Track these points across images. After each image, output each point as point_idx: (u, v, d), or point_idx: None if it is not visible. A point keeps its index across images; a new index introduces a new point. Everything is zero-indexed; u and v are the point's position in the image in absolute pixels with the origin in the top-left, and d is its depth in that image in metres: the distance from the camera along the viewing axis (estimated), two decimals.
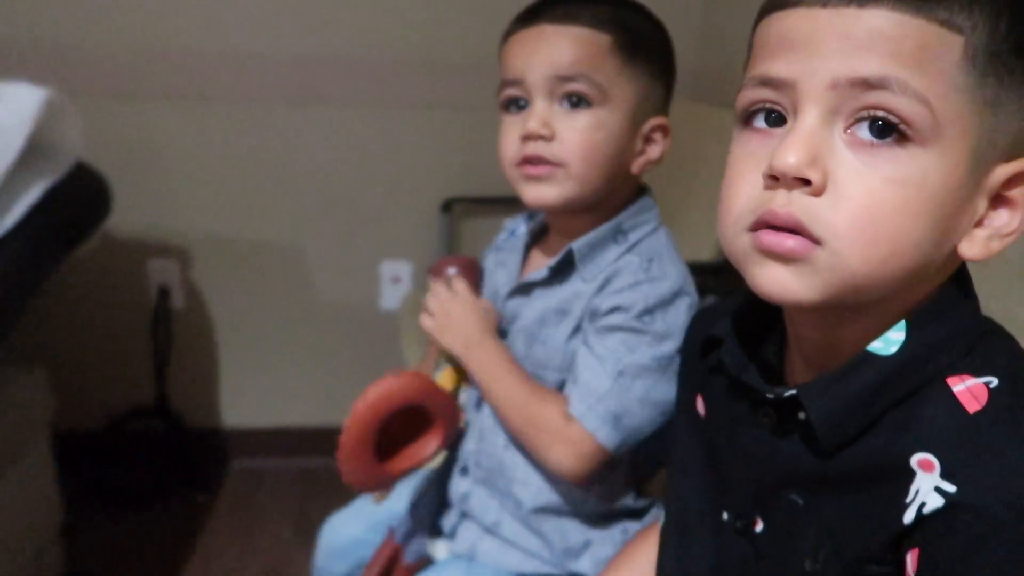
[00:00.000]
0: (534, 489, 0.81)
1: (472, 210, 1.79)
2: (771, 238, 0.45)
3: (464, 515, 0.87)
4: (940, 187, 0.43)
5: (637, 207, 0.81)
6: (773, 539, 0.52)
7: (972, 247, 0.46)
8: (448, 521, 0.89)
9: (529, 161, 0.76)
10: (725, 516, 0.56)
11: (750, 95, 0.48)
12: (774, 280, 0.46)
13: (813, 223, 0.44)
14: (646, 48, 0.77)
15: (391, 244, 1.81)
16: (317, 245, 1.80)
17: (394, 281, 1.82)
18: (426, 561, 0.89)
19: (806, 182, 0.44)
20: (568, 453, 0.75)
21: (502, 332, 0.85)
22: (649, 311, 0.75)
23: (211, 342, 1.83)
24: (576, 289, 0.79)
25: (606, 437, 0.74)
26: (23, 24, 1.56)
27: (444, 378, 0.84)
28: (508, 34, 0.79)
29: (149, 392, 1.80)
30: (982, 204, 0.46)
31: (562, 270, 0.80)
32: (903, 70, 0.42)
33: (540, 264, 0.83)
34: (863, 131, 0.44)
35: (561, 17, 0.75)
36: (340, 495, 1.02)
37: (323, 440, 1.86)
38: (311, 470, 1.85)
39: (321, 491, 1.77)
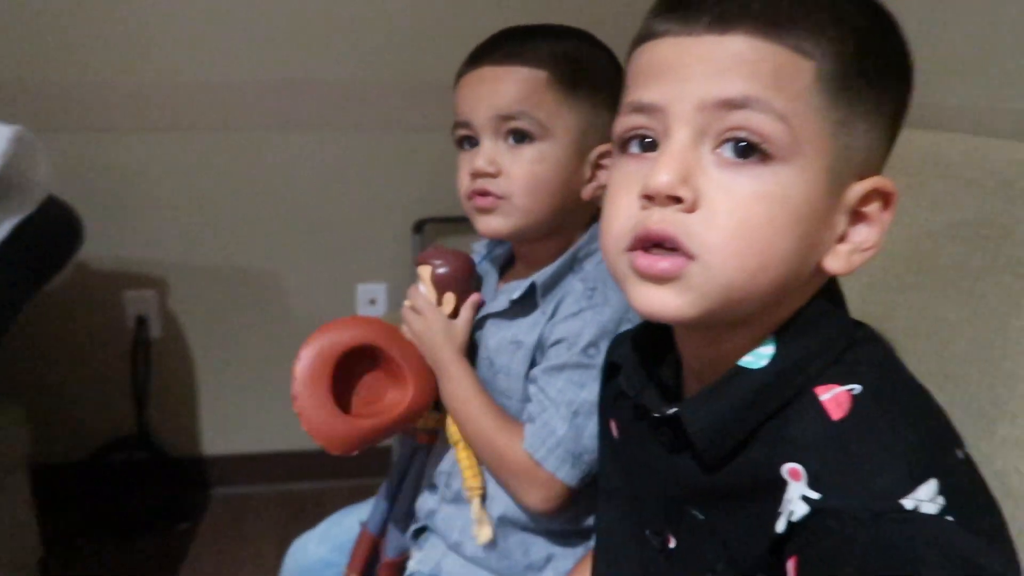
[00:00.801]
0: (501, 504, 0.83)
1: (444, 230, 1.80)
2: (644, 261, 0.47)
3: (429, 530, 0.89)
4: (802, 202, 0.46)
5: (591, 234, 0.83)
6: (683, 554, 0.54)
7: (836, 262, 0.48)
8: (415, 530, 0.90)
9: (478, 193, 0.79)
10: (647, 533, 0.57)
11: (625, 122, 0.50)
12: (651, 299, 0.47)
13: (686, 238, 0.45)
14: (587, 79, 0.79)
15: (366, 266, 1.82)
16: (293, 269, 1.81)
17: (370, 303, 1.84)
18: (407, 556, 0.90)
19: (679, 200, 0.46)
20: (540, 497, 0.78)
21: (471, 357, 0.87)
22: (594, 344, 0.77)
23: (190, 370, 1.83)
24: (534, 321, 0.82)
25: (567, 475, 0.77)
26: None
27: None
28: (458, 76, 0.82)
29: (130, 422, 1.80)
30: (842, 221, 0.48)
31: (523, 303, 0.82)
32: (763, 90, 0.45)
33: (506, 290, 0.85)
34: (728, 152, 0.46)
35: (500, 58, 0.78)
36: (325, 518, 1.02)
37: (305, 464, 1.89)
38: (295, 494, 1.85)
39: (305, 515, 1.75)
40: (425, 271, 0.86)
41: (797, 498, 0.44)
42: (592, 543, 0.82)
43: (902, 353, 0.52)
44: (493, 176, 0.78)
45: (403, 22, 1.70)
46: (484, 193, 0.79)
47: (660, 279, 0.47)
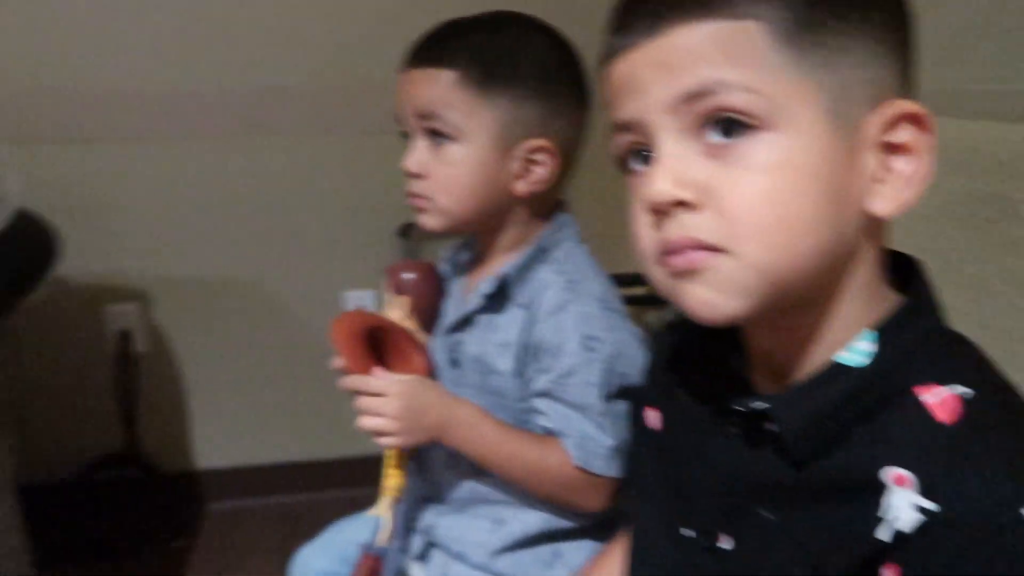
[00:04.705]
0: (522, 525, 0.82)
1: (430, 234, 1.77)
2: (676, 259, 0.46)
3: (431, 544, 0.87)
4: (809, 158, 0.44)
5: (555, 224, 0.83)
6: (744, 557, 0.51)
7: (883, 202, 0.46)
8: (416, 545, 0.89)
9: (411, 194, 0.82)
10: (687, 532, 0.55)
11: (616, 142, 0.50)
12: (698, 300, 0.46)
13: (707, 235, 0.45)
14: (504, 74, 0.78)
15: (352, 273, 1.80)
16: (278, 278, 1.78)
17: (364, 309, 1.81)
18: None
19: (683, 204, 0.45)
20: (600, 498, 0.78)
21: (454, 362, 0.85)
22: (591, 336, 0.76)
23: (179, 384, 1.80)
24: (513, 317, 0.81)
25: (616, 470, 0.77)
26: None
27: (383, 490, 0.84)
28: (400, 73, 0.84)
29: (118, 439, 1.77)
30: (871, 158, 0.45)
31: (497, 297, 0.81)
32: (718, 71, 0.44)
33: (475, 289, 0.84)
34: (714, 136, 0.45)
35: (417, 59, 0.80)
36: (322, 529, 1.00)
37: (300, 475, 1.87)
38: (291, 505, 1.83)
39: (303, 527, 1.72)
40: (385, 279, 0.89)
41: (906, 506, 0.42)
42: (599, 535, 0.83)
43: None
44: (418, 177, 0.80)
45: (379, 24, 1.67)
46: (414, 194, 0.81)
47: (695, 271, 0.46)
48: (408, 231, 1.77)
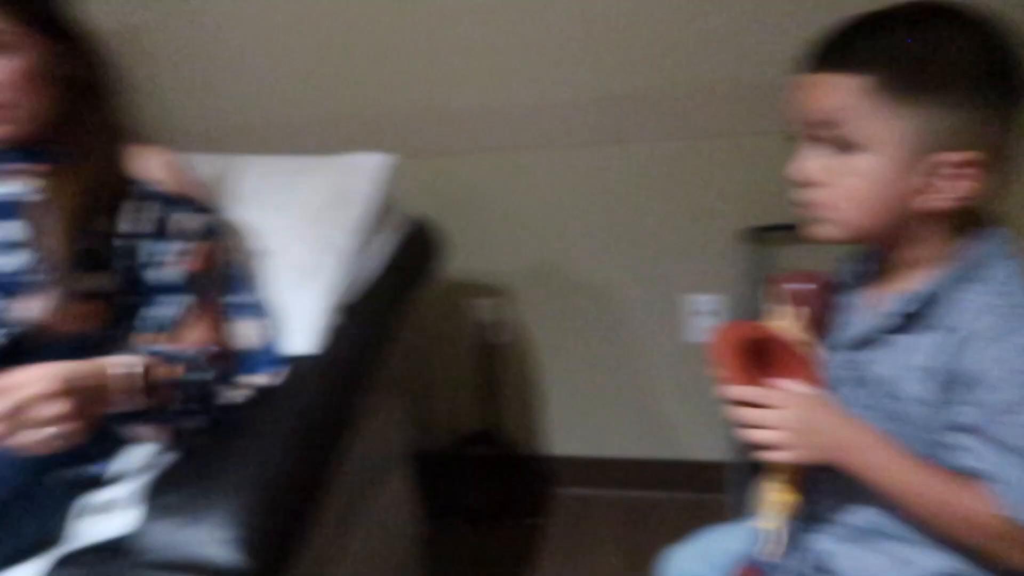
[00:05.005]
0: (917, 550, 0.75)
1: (777, 239, 1.68)
2: None
3: (822, 570, 0.82)
4: None
5: (988, 241, 0.73)
6: None
7: None
8: (802, 566, 0.84)
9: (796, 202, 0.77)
10: None
11: None
12: None
13: None
14: (922, 81, 0.69)
15: (694, 277, 1.78)
16: (625, 279, 1.82)
17: (699, 314, 1.78)
18: None
19: None
20: None
21: (858, 381, 0.79)
22: None
23: (535, 373, 1.94)
24: (932, 340, 0.72)
25: None
26: (367, 100, 1.81)
27: (772, 504, 0.80)
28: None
29: (484, 419, 1.96)
30: None
31: (912, 316, 0.74)
32: None
33: (884, 305, 0.77)
34: None
35: (821, 63, 0.74)
36: (666, 528, 1.00)
37: (643, 472, 1.91)
38: (635, 500, 1.87)
39: (648, 523, 1.77)
40: (782, 289, 0.86)
41: None
42: None
43: None
44: (812, 185, 0.75)
45: (719, 28, 1.61)
46: (807, 203, 0.76)
47: None
48: (754, 236, 1.69)
